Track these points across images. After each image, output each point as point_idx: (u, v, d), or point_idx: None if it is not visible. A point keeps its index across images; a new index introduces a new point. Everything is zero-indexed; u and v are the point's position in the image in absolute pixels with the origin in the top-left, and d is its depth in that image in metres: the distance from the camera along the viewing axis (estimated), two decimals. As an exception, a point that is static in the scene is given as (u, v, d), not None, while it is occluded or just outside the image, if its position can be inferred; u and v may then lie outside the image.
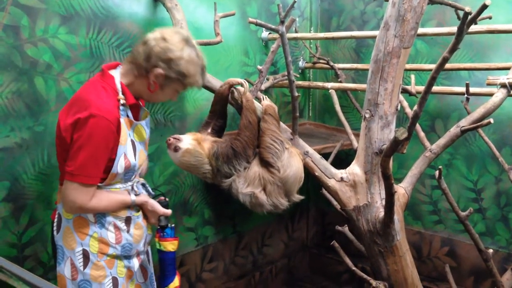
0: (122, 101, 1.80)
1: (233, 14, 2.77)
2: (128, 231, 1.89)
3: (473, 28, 2.24)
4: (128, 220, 1.90)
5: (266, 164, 2.07)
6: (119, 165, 1.80)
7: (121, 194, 1.87)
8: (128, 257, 1.92)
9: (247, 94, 2.14)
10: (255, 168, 2.08)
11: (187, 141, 2.04)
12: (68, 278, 1.83)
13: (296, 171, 2.11)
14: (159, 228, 1.99)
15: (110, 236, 1.84)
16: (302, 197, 2.18)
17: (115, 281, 1.87)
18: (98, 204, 1.78)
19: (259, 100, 2.28)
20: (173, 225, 2.02)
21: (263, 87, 2.87)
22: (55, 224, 1.87)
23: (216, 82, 2.34)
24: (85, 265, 1.81)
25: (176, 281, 2.03)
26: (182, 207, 2.94)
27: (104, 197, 1.80)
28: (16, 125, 2.14)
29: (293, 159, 2.11)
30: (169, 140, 2.04)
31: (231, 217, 3.25)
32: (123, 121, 1.80)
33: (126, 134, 1.81)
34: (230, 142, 2.06)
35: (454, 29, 2.33)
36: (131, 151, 1.84)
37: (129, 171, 1.87)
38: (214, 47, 2.76)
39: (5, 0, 2.06)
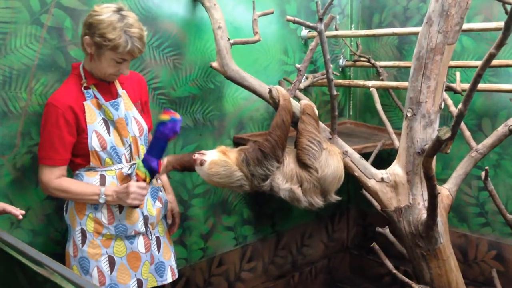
0: (84, 84, 1.94)
1: (272, 13, 2.75)
2: (120, 212, 1.98)
3: (522, 22, 2.14)
4: None
5: (303, 165, 2.05)
6: (94, 143, 1.92)
7: (92, 185, 1.94)
8: (130, 238, 2.02)
9: (284, 93, 2.12)
10: (291, 165, 2.06)
11: (211, 153, 2.04)
12: (71, 255, 2.00)
13: (335, 171, 2.06)
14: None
15: (103, 217, 1.97)
16: (339, 198, 2.13)
17: (111, 259, 1.99)
18: (60, 183, 1.91)
19: (297, 99, 2.25)
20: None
21: (302, 86, 2.85)
22: (65, 205, 2.06)
23: (255, 82, 2.33)
24: (83, 243, 1.97)
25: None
26: (221, 206, 2.95)
27: (74, 181, 1.94)
28: (60, 124, 2.20)
29: (332, 158, 2.07)
30: (194, 156, 2.04)
31: (270, 216, 3.24)
32: (89, 103, 1.93)
33: (95, 114, 1.94)
34: (257, 145, 2.04)
35: (501, 24, 2.24)
36: (103, 129, 1.95)
37: (112, 150, 1.95)
38: (253, 46, 2.76)
39: (49, 2, 2.12)
